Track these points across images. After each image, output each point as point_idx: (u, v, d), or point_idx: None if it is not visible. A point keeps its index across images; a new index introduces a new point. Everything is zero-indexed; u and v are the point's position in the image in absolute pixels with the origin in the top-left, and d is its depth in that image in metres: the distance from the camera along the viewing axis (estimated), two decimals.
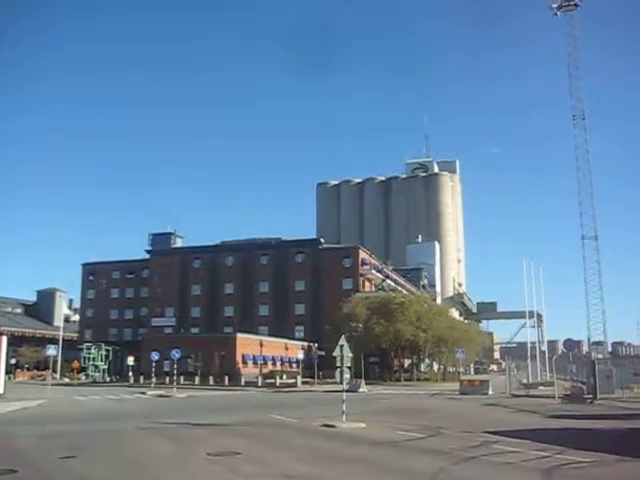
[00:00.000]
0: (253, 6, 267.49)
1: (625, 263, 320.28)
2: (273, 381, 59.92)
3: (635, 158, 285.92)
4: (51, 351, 46.86)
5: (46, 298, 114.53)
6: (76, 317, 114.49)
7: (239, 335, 71.49)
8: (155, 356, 51.46)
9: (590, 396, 36.62)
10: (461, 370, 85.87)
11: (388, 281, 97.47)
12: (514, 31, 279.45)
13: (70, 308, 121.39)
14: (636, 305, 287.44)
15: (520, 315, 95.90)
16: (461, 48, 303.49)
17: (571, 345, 45.07)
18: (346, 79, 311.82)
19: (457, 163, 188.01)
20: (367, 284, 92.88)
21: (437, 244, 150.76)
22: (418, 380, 73.30)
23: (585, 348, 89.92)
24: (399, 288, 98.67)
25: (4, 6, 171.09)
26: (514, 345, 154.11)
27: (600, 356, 61.05)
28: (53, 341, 72.91)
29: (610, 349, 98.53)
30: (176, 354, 47.39)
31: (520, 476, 12.06)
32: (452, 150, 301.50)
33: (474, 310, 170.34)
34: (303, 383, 57.95)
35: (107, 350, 78.83)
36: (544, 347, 76.15)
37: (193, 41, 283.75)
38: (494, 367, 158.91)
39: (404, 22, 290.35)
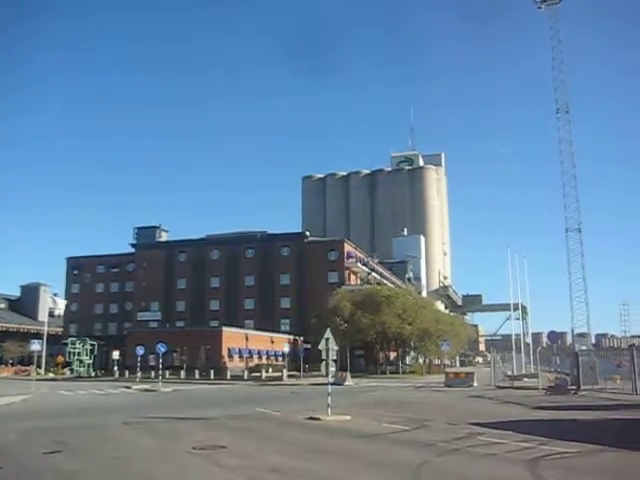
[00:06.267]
0: (237, 3, 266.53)
1: (610, 251, 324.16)
2: (259, 375, 59.91)
3: (621, 142, 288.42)
4: (35, 346, 46.45)
5: (30, 293, 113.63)
6: (61, 311, 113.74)
7: (225, 329, 71.41)
8: (140, 350, 51.28)
9: (574, 387, 36.87)
10: (446, 362, 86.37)
11: (374, 274, 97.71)
12: (500, 25, 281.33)
13: (54, 301, 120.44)
14: (620, 292, 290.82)
15: (505, 307, 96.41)
16: (447, 42, 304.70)
17: (555, 337, 45.49)
18: (332, 73, 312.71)
19: (442, 156, 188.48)
20: (352, 277, 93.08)
21: (422, 237, 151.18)
22: (404, 373, 73.60)
23: (569, 340, 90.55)
24: (385, 281, 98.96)
25: (3, 7, 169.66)
26: (499, 337, 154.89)
27: (584, 348, 61.36)
28: (37, 336, 72.35)
29: (593, 341, 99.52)
30: (161, 348, 47.21)
31: (504, 467, 12.13)
32: (437, 143, 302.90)
33: (459, 303, 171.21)
34: (289, 376, 57.95)
35: (92, 345, 78.37)
36: (529, 339, 76.62)
37: (175, 42, 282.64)
38: (479, 359, 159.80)
39: (390, 17, 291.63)
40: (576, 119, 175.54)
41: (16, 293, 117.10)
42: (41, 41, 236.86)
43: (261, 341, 76.50)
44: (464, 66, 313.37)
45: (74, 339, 79.01)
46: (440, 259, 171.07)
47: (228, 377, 58.81)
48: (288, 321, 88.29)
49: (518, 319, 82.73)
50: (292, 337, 76.56)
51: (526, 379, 49.66)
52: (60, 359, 76.57)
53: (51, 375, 73.31)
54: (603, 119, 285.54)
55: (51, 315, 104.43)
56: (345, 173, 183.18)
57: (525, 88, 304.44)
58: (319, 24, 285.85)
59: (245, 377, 58.86)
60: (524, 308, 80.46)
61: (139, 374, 53.55)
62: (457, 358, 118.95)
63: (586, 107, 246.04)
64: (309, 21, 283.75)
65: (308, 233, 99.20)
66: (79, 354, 76.23)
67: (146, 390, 42.96)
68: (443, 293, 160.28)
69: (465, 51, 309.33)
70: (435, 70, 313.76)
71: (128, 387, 46.58)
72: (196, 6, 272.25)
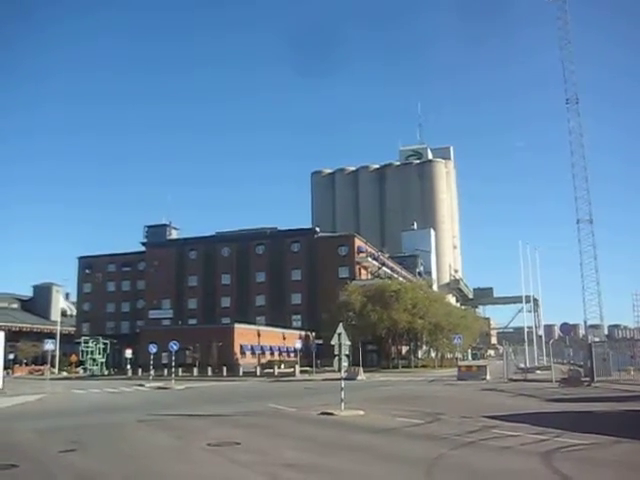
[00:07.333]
0: (248, 1, 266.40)
1: (621, 243, 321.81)
2: (271, 371, 60.07)
3: (632, 138, 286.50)
4: (49, 346, 46.92)
5: (42, 293, 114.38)
6: (73, 311, 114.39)
7: (237, 325, 71.59)
8: (153, 348, 51.54)
9: (587, 379, 36.75)
10: (458, 356, 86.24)
11: (384, 268, 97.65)
12: (508, 19, 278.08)
13: (67, 300, 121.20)
14: (632, 285, 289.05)
15: (516, 300, 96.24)
16: (454, 37, 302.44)
17: (567, 329, 45.19)
18: (338, 69, 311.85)
19: (451, 149, 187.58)
20: (363, 272, 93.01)
21: (432, 231, 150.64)
22: (416, 367, 73.47)
23: (582, 331, 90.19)
24: (395, 275, 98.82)
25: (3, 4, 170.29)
26: (511, 330, 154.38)
27: (597, 339, 61.16)
28: (50, 336, 72.89)
29: (606, 332, 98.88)
30: (174, 346, 47.38)
31: (519, 460, 12.08)
32: (446, 136, 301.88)
33: (470, 296, 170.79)
34: (301, 372, 58.05)
35: (105, 343, 78.79)
36: (541, 331, 76.42)
37: (188, 37, 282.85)
38: (491, 352, 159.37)
39: (398, 12, 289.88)
40: (591, 115, 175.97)
41: (28, 293, 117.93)
42: (43, 38, 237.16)
43: (273, 337, 76.63)
44: (472, 61, 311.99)
45: (87, 338, 79.45)
46: (450, 252, 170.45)
47: (241, 374, 58.94)
48: (299, 317, 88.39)
49: (530, 311, 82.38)
50: (304, 333, 76.55)
51: (539, 372, 49.55)
52: (73, 358, 77.01)
53: (65, 374, 73.82)
54: (617, 117, 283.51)
55: (64, 314, 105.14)
56: (354, 168, 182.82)
57: (534, 81, 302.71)
58: (325, 21, 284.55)
59: (258, 373, 59.01)
60: (536, 300, 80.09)
61: (152, 372, 53.77)
62: (469, 351, 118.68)
63: (601, 105, 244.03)
64: (315, 18, 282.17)
65: (318, 229, 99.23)
66: (92, 353, 76.65)
67: (159, 388, 43.11)
68: (454, 286, 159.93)
69: (471, 46, 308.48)
70: (442, 65, 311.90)
71: (141, 385, 46.76)
72: (202, 6, 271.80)
